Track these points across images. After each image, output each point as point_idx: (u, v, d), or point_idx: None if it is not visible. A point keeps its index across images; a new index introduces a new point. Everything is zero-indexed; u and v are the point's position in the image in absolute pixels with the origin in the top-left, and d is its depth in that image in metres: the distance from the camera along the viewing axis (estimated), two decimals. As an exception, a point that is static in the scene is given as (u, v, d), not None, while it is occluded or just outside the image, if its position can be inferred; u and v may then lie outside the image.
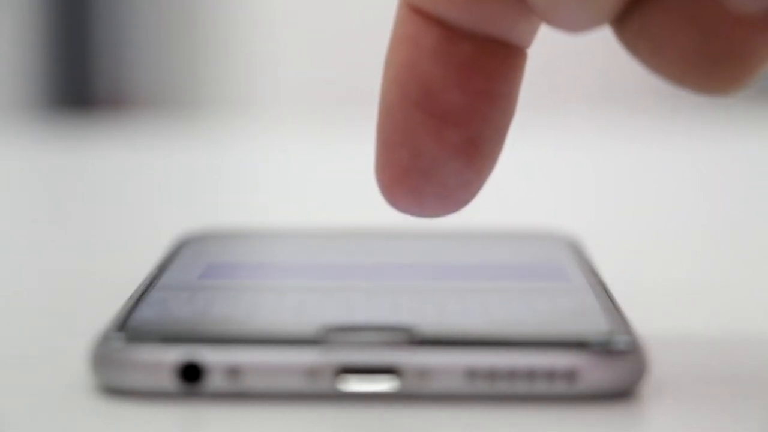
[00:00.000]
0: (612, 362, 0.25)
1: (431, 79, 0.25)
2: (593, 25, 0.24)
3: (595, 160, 0.68)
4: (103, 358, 0.26)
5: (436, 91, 0.25)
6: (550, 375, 0.25)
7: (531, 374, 0.25)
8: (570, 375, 0.25)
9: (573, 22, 0.24)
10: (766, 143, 0.70)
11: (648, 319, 0.29)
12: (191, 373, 0.25)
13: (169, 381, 0.25)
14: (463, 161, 0.26)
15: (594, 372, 0.25)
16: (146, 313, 0.27)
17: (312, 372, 0.25)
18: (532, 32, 0.25)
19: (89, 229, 0.48)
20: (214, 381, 0.25)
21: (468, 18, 0.25)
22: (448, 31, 0.25)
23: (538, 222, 0.41)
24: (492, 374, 0.25)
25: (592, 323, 0.27)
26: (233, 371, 0.25)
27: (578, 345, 0.25)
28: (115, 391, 0.26)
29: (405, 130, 0.26)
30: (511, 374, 0.25)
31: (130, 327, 0.26)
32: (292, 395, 0.25)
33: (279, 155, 0.71)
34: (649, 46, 0.23)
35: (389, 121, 0.26)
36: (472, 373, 0.25)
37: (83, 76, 1.70)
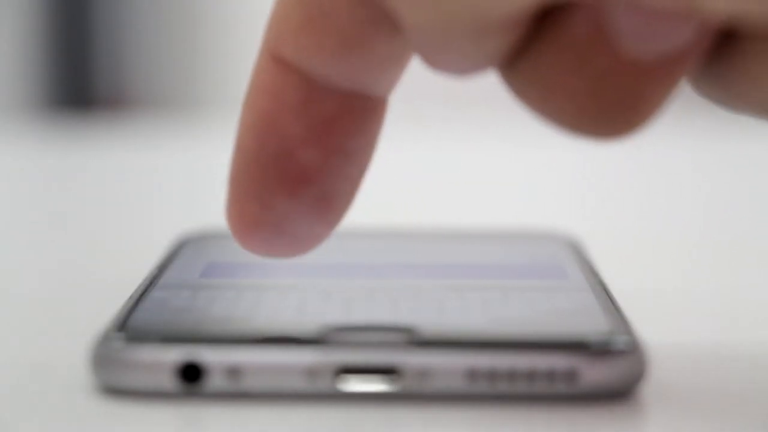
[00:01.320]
0: (612, 362, 0.25)
1: (289, 134, 0.24)
2: (477, 69, 0.23)
3: (595, 160, 0.68)
4: (103, 358, 0.26)
5: (293, 148, 0.24)
6: (550, 375, 0.25)
7: (531, 374, 0.25)
8: (570, 375, 0.25)
9: (455, 67, 0.23)
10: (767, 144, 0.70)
11: (648, 319, 0.29)
12: (191, 373, 0.25)
13: (169, 381, 0.25)
14: (315, 217, 0.25)
15: (594, 372, 0.25)
16: (146, 313, 0.27)
17: (312, 372, 0.25)
18: (395, 81, 0.25)
19: (89, 229, 0.48)
20: (214, 381, 0.25)
21: (333, 70, 0.24)
22: (311, 84, 0.24)
23: (538, 222, 0.41)
24: (492, 374, 0.25)
25: (592, 323, 0.27)
26: (233, 371, 0.25)
27: (578, 345, 0.25)
28: (115, 391, 0.26)
29: (256, 183, 0.25)
30: (512, 374, 0.25)
31: (130, 327, 0.26)
32: (292, 395, 0.25)
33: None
34: (539, 93, 0.22)
35: (242, 170, 0.25)
36: (472, 374, 0.25)
37: (83, 76, 1.70)
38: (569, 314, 0.28)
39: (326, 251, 0.35)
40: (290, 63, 0.24)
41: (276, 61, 0.24)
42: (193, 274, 0.31)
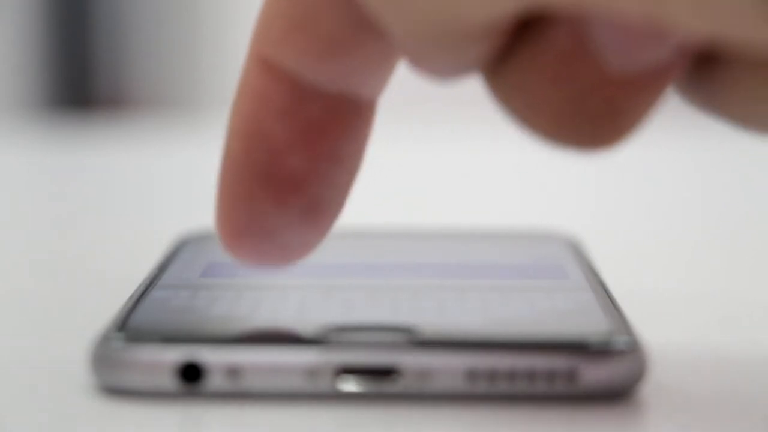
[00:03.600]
0: (612, 362, 0.25)
1: (276, 139, 0.24)
2: (460, 74, 0.22)
3: (595, 160, 0.68)
4: (103, 358, 0.26)
5: (280, 153, 0.24)
6: (550, 375, 0.25)
7: (531, 374, 0.25)
8: (570, 375, 0.25)
9: (438, 71, 0.22)
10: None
11: (648, 319, 0.29)
12: (191, 373, 0.25)
13: (169, 381, 0.25)
14: (304, 224, 0.25)
15: (594, 372, 0.25)
16: (146, 313, 0.27)
17: (312, 372, 0.25)
18: (383, 85, 0.24)
19: (89, 228, 0.48)
20: (214, 381, 0.25)
21: (320, 74, 0.24)
22: (298, 89, 0.24)
23: (538, 222, 0.41)
24: (492, 374, 0.25)
25: (592, 323, 0.27)
26: (233, 371, 0.25)
27: (578, 345, 0.25)
28: (115, 391, 0.26)
29: (245, 190, 0.25)
30: (511, 374, 0.25)
31: (130, 327, 0.26)
32: (292, 395, 0.25)
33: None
34: (520, 101, 0.22)
35: (230, 177, 0.25)
36: (472, 374, 0.25)
37: (83, 76, 1.70)
38: (569, 314, 0.28)
39: (326, 251, 0.35)
40: (277, 67, 0.24)
41: (262, 65, 0.24)
42: (193, 274, 0.31)
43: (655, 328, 0.28)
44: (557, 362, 0.25)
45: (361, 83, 0.24)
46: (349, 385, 0.25)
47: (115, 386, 0.26)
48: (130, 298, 0.29)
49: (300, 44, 0.23)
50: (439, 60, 0.22)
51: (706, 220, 0.51)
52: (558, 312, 0.28)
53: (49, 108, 1.63)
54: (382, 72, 0.24)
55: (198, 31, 1.76)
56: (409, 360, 0.25)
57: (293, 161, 0.24)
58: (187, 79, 1.75)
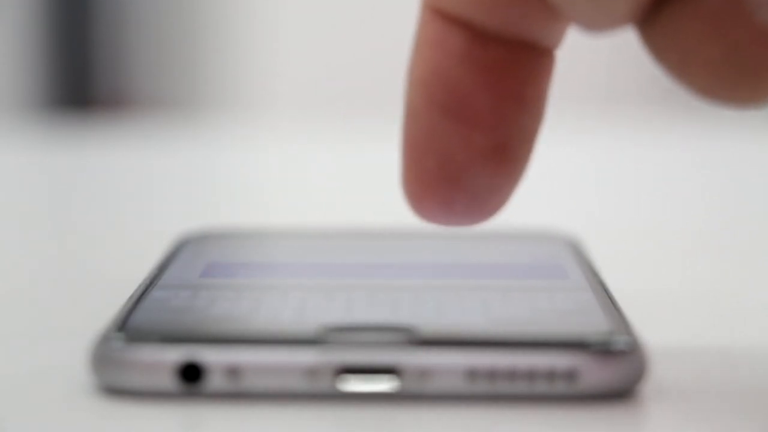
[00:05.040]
0: (612, 362, 0.25)
1: (459, 83, 0.24)
2: (613, 25, 0.23)
3: (595, 160, 0.68)
4: (103, 358, 0.26)
5: (464, 96, 0.25)
6: (550, 375, 0.25)
7: (531, 374, 0.25)
8: (570, 375, 0.25)
9: (592, 22, 0.23)
10: None
11: (648, 319, 0.29)
12: (191, 373, 0.25)
13: (169, 381, 0.25)
14: (493, 167, 0.25)
15: (594, 372, 0.25)
16: (146, 313, 0.27)
17: (312, 372, 0.25)
18: (560, 33, 0.25)
19: (89, 229, 0.48)
20: (214, 381, 0.25)
21: (494, 21, 0.24)
22: (474, 33, 0.24)
23: (538, 222, 0.41)
24: (492, 374, 0.25)
25: (592, 323, 0.27)
26: (233, 371, 0.25)
27: (578, 345, 0.25)
28: (115, 391, 0.26)
29: (432, 136, 0.25)
30: (512, 374, 0.25)
31: (130, 327, 0.26)
32: (292, 395, 0.25)
33: (279, 155, 0.71)
34: (675, 54, 0.23)
35: (415, 127, 0.25)
36: (472, 373, 0.25)
37: (83, 76, 1.70)
38: (569, 314, 0.28)
39: (326, 251, 0.35)
40: (451, 14, 0.24)
41: (437, 14, 0.24)
42: (193, 274, 0.31)
43: (655, 328, 0.28)
44: (557, 362, 0.25)
45: (533, 31, 0.24)
46: (349, 385, 0.25)
47: (115, 386, 0.26)
48: (130, 298, 0.29)
49: None
50: (591, 12, 0.23)
51: (706, 220, 0.51)
52: (558, 312, 0.28)
53: (49, 108, 1.63)
54: (554, 22, 0.24)
55: (198, 31, 1.76)
56: (409, 360, 0.25)
57: (478, 101, 0.25)
58: (187, 79, 1.75)
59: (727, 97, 0.23)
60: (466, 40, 0.24)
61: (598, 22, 0.23)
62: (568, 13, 0.23)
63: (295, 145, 0.74)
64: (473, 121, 0.25)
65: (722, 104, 0.23)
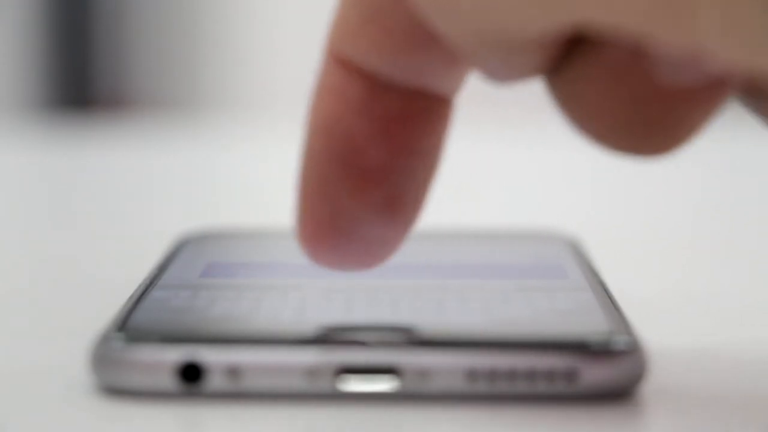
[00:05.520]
0: (612, 362, 0.25)
1: (355, 133, 0.24)
2: (521, 76, 0.23)
3: (595, 160, 0.68)
4: (103, 358, 0.26)
5: (359, 147, 0.24)
6: (550, 375, 0.25)
7: (531, 374, 0.25)
8: (570, 375, 0.25)
9: (501, 74, 0.23)
10: None
11: (648, 319, 0.29)
12: (191, 373, 0.25)
13: (169, 381, 0.25)
14: (385, 219, 0.25)
15: (594, 372, 0.25)
16: (146, 313, 0.27)
17: (312, 372, 0.25)
18: (460, 81, 0.25)
19: (89, 228, 0.48)
20: (214, 381, 0.25)
21: (395, 69, 0.24)
22: (375, 84, 0.24)
23: (538, 222, 0.41)
24: (492, 374, 0.25)
25: (592, 323, 0.27)
26: (233, 371, 0.25)
27: (578, 345, 0.25)
28: (115, 391, 0.26)
29: (326, 185, 0.25)
30: (511, 374, 0.25)
31: (130, 327, 0.26)
32: (292, 395, 0.25)
33: (279, 155, 0.71)
34: (578, 106, 0.22)
35: (310, 174, 0.25)
36: (472, 373, 0.25)
37: (83, 76, 1.70)
38: (569, 314, 0.28)
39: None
40: (352, 63, 0.24)
41: (339, 62, 0.24)
42: (193, 274, 0.31)
43: (655, 328, 0.28)
44: (557, 362, 0.25)
45: (435, 79, 0.24)
46: (349, 385, 0.25)
47: (115, 386, 0.26)
48: (130, 298, 0.29)
49: (372, 40, 0.24)
50: (495, 66, 0.22)
51: (706, 220, 0.51)
52: (558, 312, 0.28)
53: (49, 108, 1.63)
54: (456, 70, 0.24)
55: (198, 31, 1.76)
56: (409, 360, 0.25)
57: (373, 154, 0.24)
58: (187, 79, 1.75)
59: (629, 150, 0.23)
60: (366, 91, 0.24)
61: (504, 76, 0.23)
62: (473, 64, 0.23)
63: (295, 145, 0.74)
64: (368, 174, 0.25)
65: (624, 155, 0.23)
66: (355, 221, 0.25)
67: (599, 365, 0.25)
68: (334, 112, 0.24)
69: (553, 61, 0.22)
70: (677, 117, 0.22)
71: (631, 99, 0.22)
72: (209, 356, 0.25)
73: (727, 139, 0.72)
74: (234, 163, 0.68)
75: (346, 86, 0.24)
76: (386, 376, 0.25)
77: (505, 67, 0.22)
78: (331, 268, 0.26)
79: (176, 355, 0.25)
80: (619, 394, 0.25)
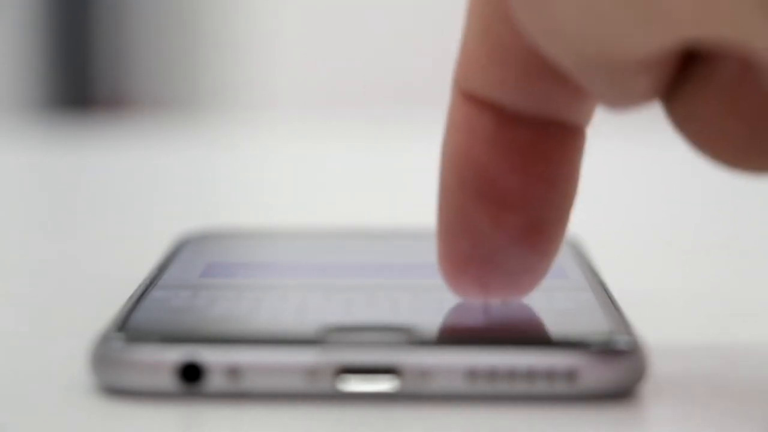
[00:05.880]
0: (612, 362, 0.25)
1: (488, 165, 0.25)
2: (635, 102, 0.23)
3: (595, 160, 0.68)
4: (103, 358, 0.26)
5: (494, 178, 0.25)
6: (550, 375, 0.25)
7: (531, 374, 0.25)
8: (570, 375, 0.25)
9: (614, 100, 0.23)
10: None
11: (648, 319, 0.29)
12: (191, 373, 0.25)
13: (169, 381, 0.25)
14: (526, 247, 0.26)
15: (594, 372, 0.25)
16: (146, 313, 0.27)
17: (312, 372, 0.25)
18: (590, 111, 0.25)
19: (89, 228, 0.48)
20: (214, 381, 0.25)
21: (523, 102, 0.24)
22: (502, 115, 0.25)
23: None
24: (492, 374, 0.25)
25: (592, 323, 0.27)
26: (233, 371, 0.25)
27: (578, 345, 0.25)
28: (115, 391, 0.26)
29: (464, 217, 0.25)
30: (511, 374, 0.25)
31: (130, 327, 0.26)
32: (292, 395, 0.25)
33: (279, 155, 0.71)
34: (695, 128, 0.23)
35: (448, 209, 0.26)
36: (472, 373, 0.25)
37: (83, 76, 1.70)
38: (569, 314, 0.28)
39: (326, 251, 0.35)
40: (480, 97, 0.25)
41: (467, 98, 0.25)
42: (193, 274, 0.31)
43: (655, 328, 0.28)
44: (557, 362, 0.25)
45: (561, 109, 0.25)
46: (349, 385, 0.25)
47: (115, 386, 0.26)
48: (130, 298, 0.29)
49: (497, 74, 0.24)
50: (609, 91, 0.23)
51: (706, 220, 0.51)
52: (558, 312, 0.28)
53: (49, 108, 1.63)
54: (581, 98, 0.25)
55: (198, 31, 1.76)
56: (409, 360, 0.25)
57: (507, 183, 0.25)
58: (187, 79, 1.75)
59: (749, 168, 0.23)
60: (495, 123, 0.25)
61: (619, 101, 0.23)
62: (590, 92, 0.23)
63: (295, 145, 0.74)
64: (504, 202, 0.25)
65: (745, 174, 0.23)
66: (495, 250, 0.26)
67: (599, 365, 0.25)
68: (466, 146, 0.25)
69: (666, 83, 0.22)
70: None
71: (747, 117, 0.22)
72: (209, 356, 0.25)
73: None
74: (234, 163, 0.68)
75: (474, 120, 0.25)
76: (386, 376, 0.25)
77: (614, 91, 0.23)
78: (476, 298, 0.27)
79: (176, 355, 0.25)
80: (619, 394, 0.25)
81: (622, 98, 0.23)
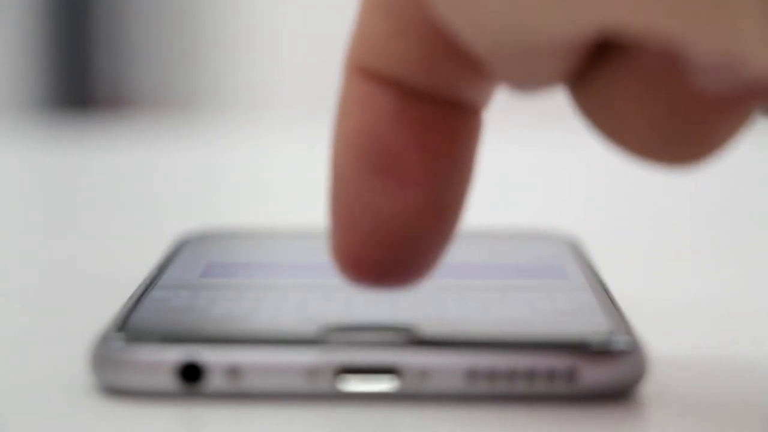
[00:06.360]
0: (612, 362, 0.25)
1: (391, 141, 0.24)
2: (543, 85, 0.22)
3: (595, 160, 0.68)
4: (103, 358, 0.26)
5: (396, 153, 0.24)
6: (550, 375, 0.25)
7: (531, 374, 0.25)
8: (570, 375, 0.25)
9: (523, 83, 0.23)
10: None
11: (648, 319, 0.29)
12: (191, 373, 0.25)
13: (169, 381, 0.25)
14: (426, 227, 0.25)
15: (594, 372, 0.25)
16: (146, 313, 0.27)
17: (312, 372, 0.25)
18: (488, 94, 0.25)
19: (89, 228, 0.48)
20: (214, 381, 0.25)
21: (424, 80, 0.24)
22: (406, 92, 0.24)
23: (538, 222, 0.41)
24: (492, 374, 0.25)
25: (592, 323, 0.27)
26: (233, 371, 0.25)
27: (578, 345, 0.25)
28: (115, 391, 0.26)
29: (363, 197, 0.24)
30: (511, 374, 0.25)
31: (130, 327, 0.26)
32: (292, 395, 0.25)
33: (279, 155, 0.71)
34: (607, 115, 0.22)
35: (346, 192, 0.25)
36: (472, 373, 0.25)
37: (83, 76, 1.70)
38: (569, 314, 0.28)
39: (326, 251, 0.35)
40: (383, 74, 0.24)
41: (366, 75, 0.24)
42: (193, 274, 0.31)
43: (655, 329, 0.28)
44: (557, 362, 0.25)
45: (461, 89, 0.24)
46: (349, 385, 0.25)
47: (115, 386, 0.26)
48: (130, 298, 0.29)
49: (400, 51, 0.24)
50: (520, 74, 0.22)
51: (706, 221, 0.51)
52: (558, 312, 0.28)
53: (49, 108, 1.63)
54: (482, 81, 0.24)
55: (198, 31, 1.76)
56: (409, 360, 0.25)
57: (410, 158, 0.24)
58: (187, 79, 1.75)
59: (661, 159, 0.22)
60: (399, 100, 0.24)
61: (528, 83, 0.23)
62: (498, 74, 0.23)
63: (295, 144, 0.74)
64: (407, 179, 0.24)
65: (655, 165, 0.22)
66: (398, 230, 0.25)
67: (599, 365, 0.25)
68: (367, 122, 0.24)
69: (579, 68, 0.22)
70: (711, 126, 0.22)
71: (664, 108, 0.21)
72: (209, 356, 0.25)
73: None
74: (234, 163, 0.68)
75: (375, 96, 0.24)
76: (386, 376, 0.25)
77: (527, 74, 0.22)
78: (373, 286, 0.25)
79: (176, 355, 0.25)
80: (619, 394, 0.25)
81: (530, 81, 0.22)
